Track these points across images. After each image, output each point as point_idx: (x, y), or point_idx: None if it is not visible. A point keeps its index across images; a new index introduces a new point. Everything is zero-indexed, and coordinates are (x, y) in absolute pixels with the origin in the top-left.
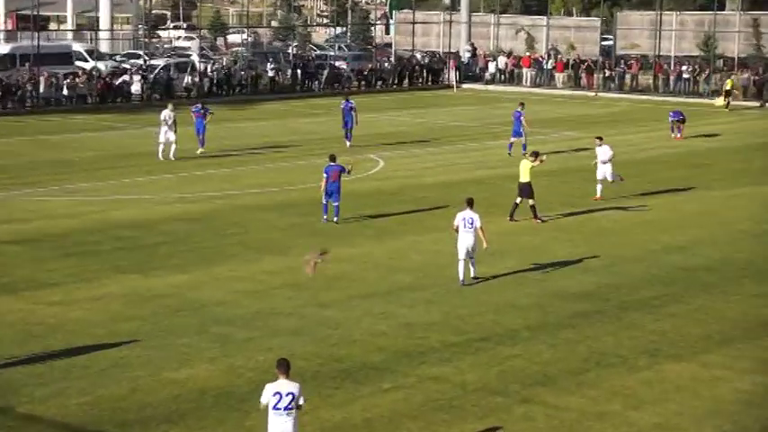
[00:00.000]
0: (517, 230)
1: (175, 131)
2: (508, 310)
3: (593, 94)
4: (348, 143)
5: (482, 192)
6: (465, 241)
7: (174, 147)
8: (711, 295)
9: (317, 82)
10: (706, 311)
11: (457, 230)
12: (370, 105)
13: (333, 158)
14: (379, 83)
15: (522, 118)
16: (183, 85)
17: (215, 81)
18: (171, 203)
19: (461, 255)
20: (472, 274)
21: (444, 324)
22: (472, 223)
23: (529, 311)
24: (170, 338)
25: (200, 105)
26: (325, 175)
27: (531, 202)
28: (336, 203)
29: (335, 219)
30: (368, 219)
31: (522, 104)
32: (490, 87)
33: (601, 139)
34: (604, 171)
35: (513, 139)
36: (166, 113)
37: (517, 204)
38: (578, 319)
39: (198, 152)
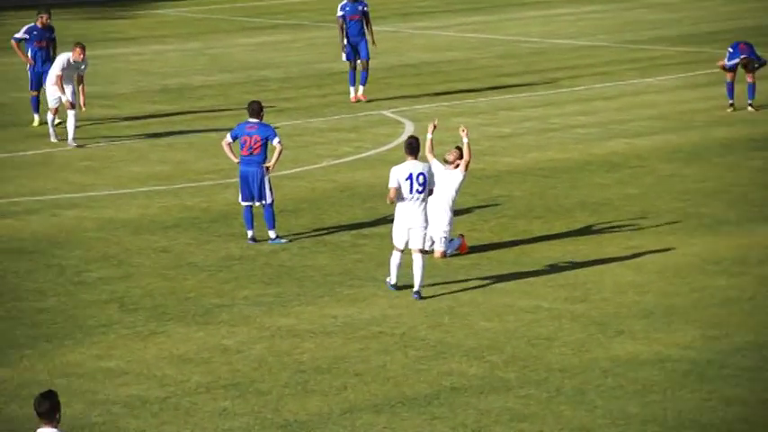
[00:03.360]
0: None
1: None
2: None
3: None
4: (360, 90)
5: (620, 185)
6: (409, 218)
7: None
8: None
9: None
10: None
11: (394, 200)
12: (388, 8)
13: (255, 110)
14: None
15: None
16: None
17: None
18: None
19: (400, 242)
20: (417, 287)
21: None
22: (424, 184)
23: None
24: None
25: (38, 24)
26: (230, 141)
27: None
28: (268, 202)
29: (272, 235)
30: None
31: None
32: None
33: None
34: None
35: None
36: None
37: None
38: None
39: (35, 123)
